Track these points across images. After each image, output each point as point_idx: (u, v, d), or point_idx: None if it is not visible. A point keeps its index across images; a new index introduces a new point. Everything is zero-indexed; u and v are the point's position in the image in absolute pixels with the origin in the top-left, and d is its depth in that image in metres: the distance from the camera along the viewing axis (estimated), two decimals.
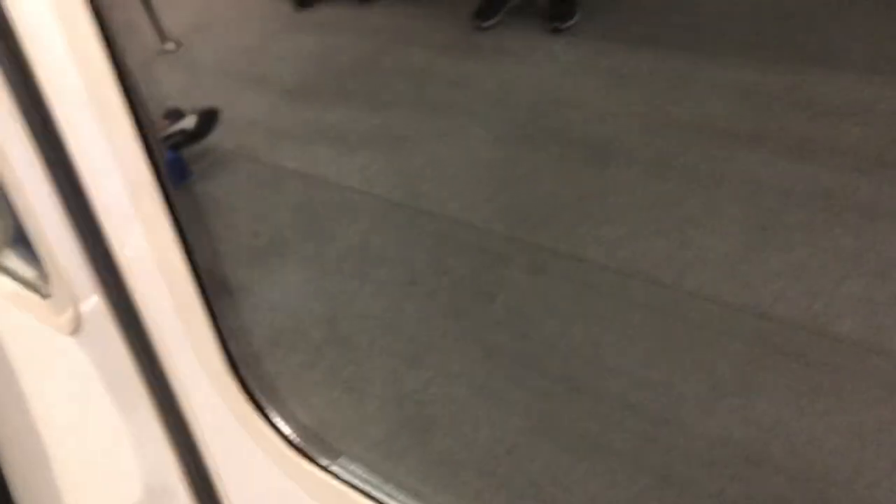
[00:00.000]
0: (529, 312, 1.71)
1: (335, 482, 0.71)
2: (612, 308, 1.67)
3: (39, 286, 0.92)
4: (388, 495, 0.73)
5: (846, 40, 2.15)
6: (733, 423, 1.41)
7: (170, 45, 3.05)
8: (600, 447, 1.44)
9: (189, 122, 2.40)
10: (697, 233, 1.75)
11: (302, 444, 0.71)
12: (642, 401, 1.48)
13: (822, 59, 2.12)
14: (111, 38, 0.63)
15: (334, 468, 0.72)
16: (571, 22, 2.52)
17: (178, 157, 2.36)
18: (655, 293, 1.67)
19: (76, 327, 0.83)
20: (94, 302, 0.79)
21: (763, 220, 1.75)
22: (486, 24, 2.65)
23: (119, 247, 0.71)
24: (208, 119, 2.42)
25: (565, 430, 1.48)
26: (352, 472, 0.72)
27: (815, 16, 2.28)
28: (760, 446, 1.37)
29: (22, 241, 1.02)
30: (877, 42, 2.11)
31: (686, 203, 1.83)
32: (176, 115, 2.42)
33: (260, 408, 0.71)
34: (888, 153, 1.80)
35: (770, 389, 1.44)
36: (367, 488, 0.72)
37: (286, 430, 0.72)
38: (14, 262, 1.03)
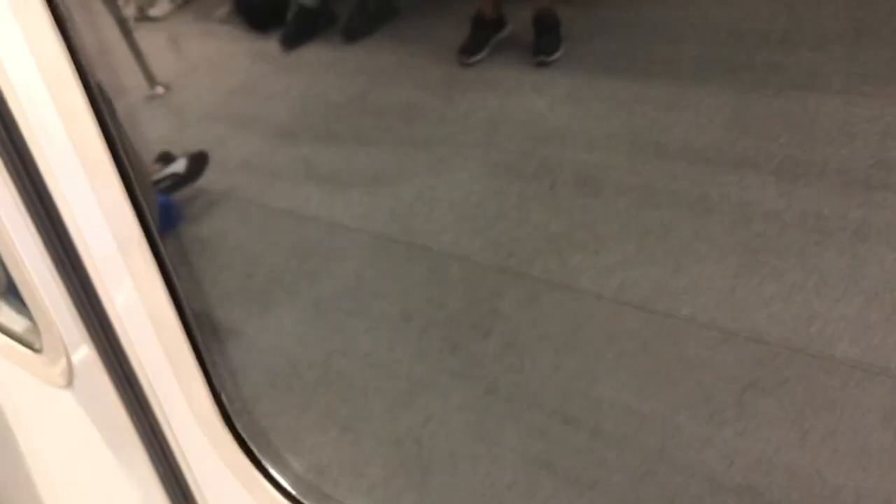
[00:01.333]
0: (524, 345, 1.70)
1: None
2: (607, 338, 1.66)
3: (31, 340, 0.91)
4: None
5: (826, 63, 2.17)
6: (735, 449, 1.40)
7: (159, 90, 3.06)
8: (600, 479, 1.42)
9: (179, 166, 2.40)
10: (690, 259, 1.76)
11: (298, 496, 0.70)
12: (640, 431, 1.47)
13: (805, 82, 2.14)
14: (95, 91, 0.63)
15: None
16: (557, 55, 2.54)
17: (170, 201, 2.36)
18: (649, 321, 1.67)
19: (69, 380, 0.82)
20: (85, 354, 0.78)
21: (755, 244, 1.75)
22: (471, 60, 2.66)
23: (109, 298, 0.71)
24: (199, 162, 2.42)
25: (564, 463, 1.47)
26: None
27: (795, 39, 2.30)
28: (762, 474, 1.36)
29: (13, 294, 1.02)
30: (854, 64, 2.13)
31: (677, 230, 1.84)
32: (167, 159, 2.42)
33: (254, 458, 0.70)
34: (874, 175, 1.81)
35: (770, 415, 1.44)
36: None
37: (281, 480, 0.71)
38: (5, 314, 1.02)
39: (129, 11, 3.35)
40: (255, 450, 0.71)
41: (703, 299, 1.66)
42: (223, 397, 0.69)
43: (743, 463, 1.37)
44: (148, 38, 3.26)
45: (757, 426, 1.42)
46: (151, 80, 3.09)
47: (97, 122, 0.61)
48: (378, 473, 1.55)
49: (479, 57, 2.75)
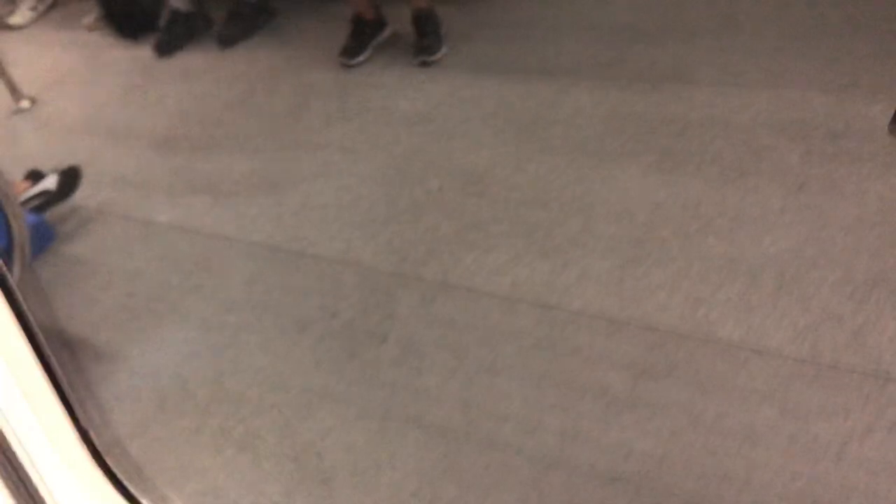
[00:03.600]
0: (422, 348, 1.69)
1: None
2: (503, 334, 1.67)
3: None
4: None
5: (695, 58, 2.26)
6: (631, 437, 1.43)
7: (25, 104, 2.90)
8: (502, 479, 1.42)
9: (50, 183, 2.28)
10: (578, 253, 1.78)
11: None
12: (540, 425, 1.48)
13: (677, 76, 2.22)
14: None
15: None
16: (439, 55, 2.55)
17: (42, 219, 2.24)
18: (543, 315, 1.69)
19: None
20: None
21: (639, 234, 1.80)
22: (352, 62, 2.64)
23: None
24: (70, 178, 2.30)
25: (467, 466, 1.46)
26: None
27: (665, 35, 2.39)
28: (659, 458, 1.39)
29: None
30: (721, 59, 2.23)
31: (565, 225, 1.86)
32: (36, 176, 2.30)
33: (130, 497, 0.66)
34: (747, 163, 1.89)
35: (663, 401, 1.47)
36: None
37: None
38: None
39: None
40: (130, 488, 0.66)
41: (592, 291, 1.69)
42: (91, 435, 0.64)
43: (640, 450, 1.40)
44: (10, 48, 3.08)
45: (651, 413, 1.45)
46: (16, 93, 2.92)
47: None
48: (278, 490, 1.51)
49: (360, 59, 2.73)
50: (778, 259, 1.66)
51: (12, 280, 0.58)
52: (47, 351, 0.61)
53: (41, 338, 0.60)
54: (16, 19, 3.48)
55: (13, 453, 0.68)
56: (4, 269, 0.57)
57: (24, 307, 0.59)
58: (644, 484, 1.36)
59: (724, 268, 1.68)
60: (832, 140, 1.89)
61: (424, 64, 2.53)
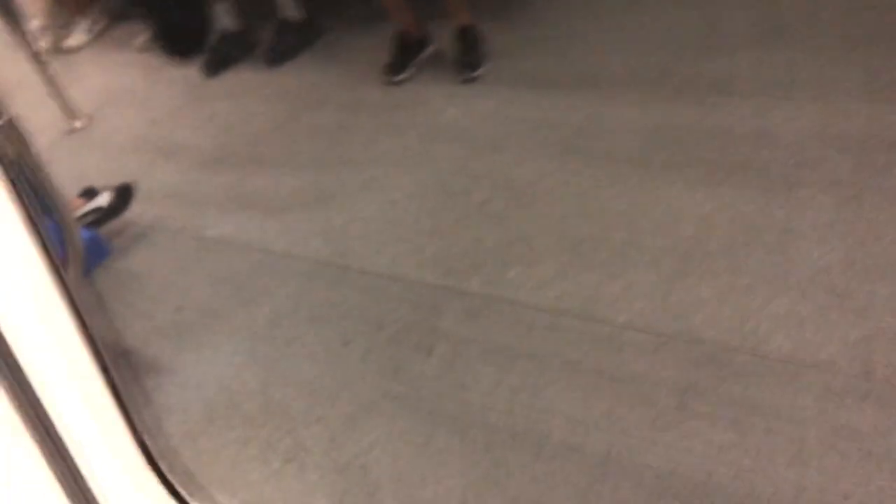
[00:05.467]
0: (467, 361, 1.69)
1: None
2: (548, 348, 1.66)
3: None
4: None
5: (739, 70, 2.24)
6: (678, 452, 1.41)
7: (79, 123, 2.98)
8: (549, 492, 1.42)
9: (104, 199, 2.34)
10: (624, 266, 1.77)
11: None
12: (586, 440, 1.47)
13: (722, 89, 2.20)
14: None
15: None
16: (481, 71, 2.56)
17: (96, 235, 2.30)
18: (589, 329, 1.68)
19: None
20: None
21: (686, 248, 1.78)
22: (396, 79, 2.67)
23: (20, 347, 0.67)
24: (123, 194, 2.36)
25: (512, 479, 1.46)
26: None
27: (709, 48, 2.37)
28: (707, 473, 1.37)
29: None
30: (765, 71, 2.21)
31: (610, 238, 1.86)
32: (90, 193, 2.36)
33: (183, 501, 0.67)
34: (796, 175, 1.87)
35: (710, 416, 1.45)
36: None
37: None
38: None
39: (44, 44, 3.27)
40: (183, 493, 0.68)
41: (638, 305, 1.68)
42: (147, 440, 0.66)
43: (687, 466, 1.38)
44: (65, 70, 3.18)
45: (698, 428, 1.43)
46: (70, 113, 3.01)
47: None
48: (324, 502, 1.52)
49: (404, 75, 2.76)
50: (828, 272, 1.63)
51: (75, 293, 0.60)
52: (108, 361, 0.63)
53: (102, 348, 0.62)
54: (71, 42, 3.60)
55: (71, 458, 0.70)
56: (69, 283, 0.60)
57: (87, 319, 0.61)
58: (691, 498, 1.34)
59: (772, 281, 1.65)
60: (884, 151, 1.86)
61: (468, 80, 2.55)
